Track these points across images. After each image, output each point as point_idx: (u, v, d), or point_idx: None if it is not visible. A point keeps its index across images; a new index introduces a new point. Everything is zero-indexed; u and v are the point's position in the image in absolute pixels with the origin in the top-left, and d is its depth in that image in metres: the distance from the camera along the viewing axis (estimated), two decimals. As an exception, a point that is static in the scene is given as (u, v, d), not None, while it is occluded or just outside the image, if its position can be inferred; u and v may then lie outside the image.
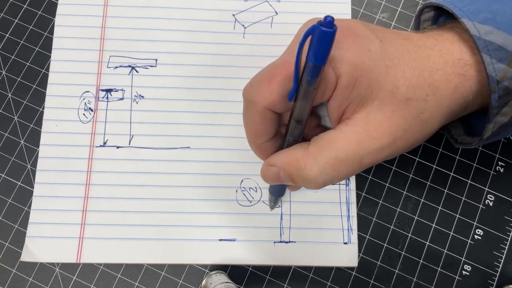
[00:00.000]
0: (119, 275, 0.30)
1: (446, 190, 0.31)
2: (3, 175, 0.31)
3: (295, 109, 0.22)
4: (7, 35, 0.34)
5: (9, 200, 0.31)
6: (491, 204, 0.31)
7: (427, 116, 0.22)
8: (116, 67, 0.32)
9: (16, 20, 0.34)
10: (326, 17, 0.18)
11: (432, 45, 0.23)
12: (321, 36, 0.18)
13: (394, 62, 0.22)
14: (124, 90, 0.32)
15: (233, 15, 0.34)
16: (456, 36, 0.23)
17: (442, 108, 0.23)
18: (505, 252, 0.30)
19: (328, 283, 0.30)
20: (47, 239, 0.29)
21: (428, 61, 0.22)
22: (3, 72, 0.33)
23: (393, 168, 0.32)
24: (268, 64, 0.23)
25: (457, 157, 0.32)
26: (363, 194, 0.31)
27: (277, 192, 0.28)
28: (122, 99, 0.32)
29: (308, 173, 0.22)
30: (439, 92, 0.22)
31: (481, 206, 0.31)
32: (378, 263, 0.30)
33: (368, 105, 0.22)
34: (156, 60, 0.32)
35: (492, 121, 0.23)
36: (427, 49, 0.23)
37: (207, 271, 0.30)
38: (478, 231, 0.31)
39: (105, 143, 0.31)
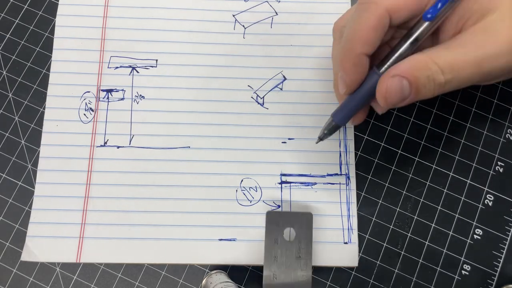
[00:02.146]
0: (119, 275, 0.30)
1: (445, 190, 0.31)
2: (4, 175, 0.31)
3: (420, 27, 0.23)
4: (8, 35, 0.34)
5: (10, 200, 0.31)
6: (490, 204, 0.31)
7: None
8: (117, 67, 0.32)
9: (17, 21, 0.34)
10: None
11: None
12: None
13: None
14: (125, 90, 0.32)
15: (233, 16, 0.34)
16: None
17: None
18: (504, 252, 0.30)
19: (328, 283, 0.30)
20: (47, 239, 0.30)
21: None
22: (4, 72, 0.33)
23: (393, 168, 0.32)
24: None
25: (457, 157, 0.32)
26: (363, 194, 0.31)
27: (343, 118, 0.27)
28: (122, 99, 0.32)
29: (433, 70, 0.22)
30: None
31: (480, 206, 0.31)
32: (378, 262, 0.30)
33: (488, 16, 0.22)
34: (156, 60, 0.33)
35: None
36: None
37: (207, 271, 0.30)
38: (478, 231, 0.31)
39: (105, 143, 0.31)
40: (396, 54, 0.24)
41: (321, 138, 0.29)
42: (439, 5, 0.22)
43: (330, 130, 0.28)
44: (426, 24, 0.23)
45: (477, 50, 0.22)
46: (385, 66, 0.25)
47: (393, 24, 0.24)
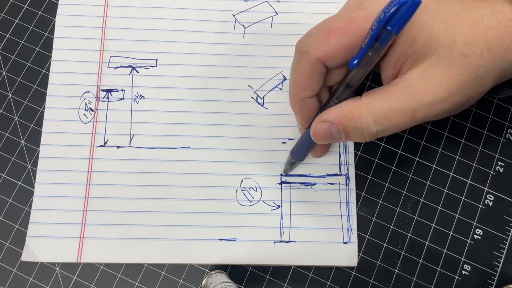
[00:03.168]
0: (119, 275, 0.30)
1: (445, 190, 0.31)
2: (3, 175, 0.31)
3: (351, 74, 0.23)
4: (8, 35, 0.34)
5: (10, 200, 0.31)
6: (490, 204, 0.31)
7: (482, 73, 0.22)
8: (117, 67, 0.32)
9: (17, 20, 0.34)
10: None
11: (485, 6, 0.23)
12: (411, 6, 0.19)
13: (451, 19, 0.22)
14: (125, 90, 0.32)
15: (233, 15, 0.34)
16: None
17: (496, 65, 0.23)
18: (504, 252, 0.30)
19: (328, 283, 0.30)
20: (47, 239, 0.29)
21: (482, 20, 0.23)
22: (4, 72, 0.33)
23: (393, 168, 0.32)
24: (324, 19, 0.24)
25: (457, 157, 0.32)
26: (363, 194, 0.31)
27: (299, 155, 0.29)
28: (122, 99, 0.32)
29: (363, 122, 0.23)
30: (493, 50, 0.22)
31: (480, 206, 0.31)
32: (378, 263, 0.30)
33: (425, 61, 0.22)
34: (156, 60, 0.33)
35: None
36: (480, 9, 0.23)
37: (207, 271, 0.30)
38: (478, 231, 0.31)
39: (105, 143, 0.31)
40: (333, 98, 0.25)
41: (285, 172, 0.31)
42: (356, 61, 0.22)
43: (291, 166, 0.30)
44: (355, 71, 0.23)
45: (411, 99, 0.22)
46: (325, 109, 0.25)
47: (330, 67, 0.24)
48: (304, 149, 0.28)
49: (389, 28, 0.20)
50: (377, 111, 0.22)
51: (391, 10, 0.19)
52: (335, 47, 0.22)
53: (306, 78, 0.24)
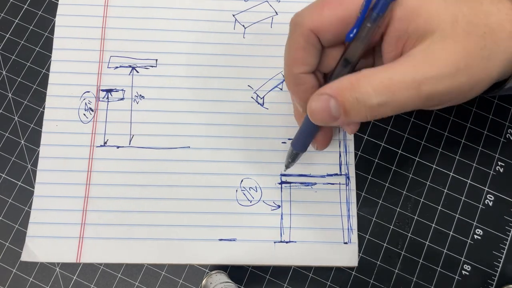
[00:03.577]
0: (119, 275, 0.30)
1: (446, 190, 0.31)
2: (3, 175, 0.31)
3: (349, 48, 0.22)
4: (8, 35, 0.34)
5: (10, 200, 0.31)
6: (490, 204, 0.31)
7: (487, 54, 0.22)
8: (117, 67, 0.32)
9: (17, 20, 0.34)
10: None
11: None
12: None
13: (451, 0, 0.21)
14: (125, 90, 0.32)
15: (233, 15, 0.34)
16: None
17: (499, 50, 0.22)
18: (504, 252, 0.30)
19: (328, 283, 0.30)
20: (47, 239, 0.29)
21: (481, 6, 0.22)
22: (4, 72, 0.33)
23: (393, 168, 0.32)
24: None
25: (457, 157, 0.32)
26: (363, 194, 0.31)
27: (300, 146, 0.27)
28: (122, 99, 0.32)
29: (362, 92, 0.21)
30: (495, 34, 0.22)
31: (480, 206, 0.31)
32: (378, 263, 0.30)
33: (427, 38, 0.21)
34: (156, 60, 0.33)
35: None
36: None
37: (207, 271, 0.30)
38: (478, 231, 0.31)
39: (105, 143, 0.31)
40: (332, 77, 0.23)
41: (287, 166, 0.30)
42: (354, 30, 0.21)
43: (293, 158, 0.29)
44: (352, 44, 0.22)
45: (416, 71, 0.21)
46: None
47: (325, 43, 0.23)
48: (305, 137, 0.27)
49: None
50: (378, 81, 0.21)
51: None
52: (329, 19, 0.22)
53: (300, 50, 0.23)
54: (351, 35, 0.21)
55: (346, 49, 0.22)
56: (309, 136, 0.27)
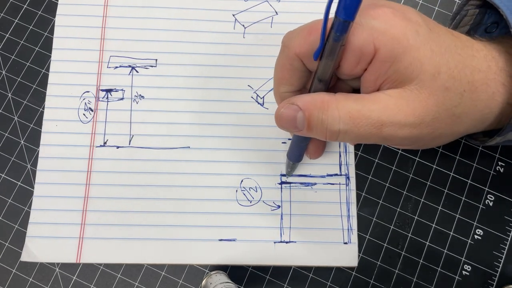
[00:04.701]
0: (119, 275, 0.30)
1: (446, 190, 0.31)
2: (3, 175, 0.31)
3: (319, 67, 0.22)
4: (7, 35, 0.34)
5: (9, 200, 0.31)
6: (491, 204, 0.31)
7: (459, 112, 0.22)
8: (116, 67, 0.32)
9: (16, 20, 0.34)
10: None
11: (479, 48, 0.23)
12: None
13: (440, 49, 0.22)
14: (124, 90, 0.32)
15: (233, 15, 0.34)
16: (504, 49, 0.23)
17: (475, 110, 0.22)
18: (505, 252, 0.30)
19: (328, 283, 0.30)
20: (47, 239, 0.29)
21: (471, 61, 0.22)
22: (3, 72, 0.33)
23: (393, 168, 0.32)
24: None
25: (457, 157, 0.32)
26: (363, 194, 0.31)
27: (294, 157, 0.29)
28: (122, 99, 0.32)
29: (329, 115, 0.22)
30: (476, 93, 0.22)
31: (481, 206, 0.31)
32: (378, 263, 0.30)
33: (405, 84, 0.22)
34: (156, 60, 0.33)
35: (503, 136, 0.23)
36: (473, 50, 0.23)
37: (207, 271, 0.30)
38: (478, 231, 0.31)
39: (105, 143, 0.31)
40: (310, 91, 0.24)
41: (288, 174, 0.31)
42: (317, 50, 0.22)
43: (292, 168, 0.30)
44: (321, 63, 0.22)
45: (382, 112, 0.21)
46: None
47: (310, 67, 0.24)
48: (297, 148, 0.28)
49: (338, 15, 0.19)
50: (346, 109, 0.22)
51: None
52: (313, 46, 0.22)
53: (285, 72, 0.24)
54: (315, 53, 0.22)
55: (317, 68, 0.23)
56: (300, 147, 0.28)
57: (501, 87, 0.22)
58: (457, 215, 0.31)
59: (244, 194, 0.31)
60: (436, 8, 0.34)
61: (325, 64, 0.22)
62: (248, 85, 0.32)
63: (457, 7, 0.28)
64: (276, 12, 0.34)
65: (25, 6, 0.34)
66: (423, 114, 0.21)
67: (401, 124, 0.21)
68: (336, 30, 0.20)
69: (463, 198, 0.31)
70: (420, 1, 0.34)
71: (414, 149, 0.31)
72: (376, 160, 0.32)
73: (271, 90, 0.32)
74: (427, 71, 0.21)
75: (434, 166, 0.31)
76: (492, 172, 0.31)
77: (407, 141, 0.22)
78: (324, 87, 0.23)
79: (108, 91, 0.32)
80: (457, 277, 0.30)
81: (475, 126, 0.23)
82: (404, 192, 0.31)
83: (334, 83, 0.26)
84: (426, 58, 0.21)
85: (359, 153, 0.32)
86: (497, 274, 0.30)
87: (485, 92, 0.22)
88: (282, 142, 0.31)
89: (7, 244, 0.30)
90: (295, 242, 0.30)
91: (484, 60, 0.22)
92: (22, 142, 0.32)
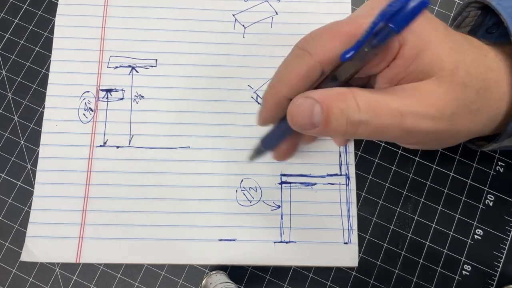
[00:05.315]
0: (119, 275, 0.30)
1: (446, 190, 0.31)
2: (3, 175, 0.31)
3: (341, 67, 0.21)
4: (7, 35, 0.34)
5: (9, 200, 0.31)
6: (491, 204, 0.31)
7: (475, 108, 0.22)
8: (116, 67, 0.32)
9: (16, 20, 0.34)
10: None
11: (489, 49, 0.23)
12: (419, 5, 0.18)
13: (456, 47, 0.22)
14: (124, 90, 0.32)
15: (233, 15, 0.34)
16: (510, 51, 0.23)
17: (489, 108, 0.22)
18: (505, 252, 0.30)
19: (328, 283, 0.30)
20: (47, 239, 0.29)
21: (485, 59, 0.22)
22: (3, 72, 0.33)
23: (393, 168, 0.32)
24: (331, 22, 0.22)
25: (457, 157, 0.32)
26: (363, 194, 0.31)
27: (271, 145, 0.26)
28: (122, 99, 0.32)
29: (349, 105, 0.20)
30: (490, 91, 0.22)
31: (481, 206, 0.31)
32: (378, 263, 0.30)
33: (423, 80, 0.21)
34: (156, 60, 0.33)
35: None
36: (484, 51, 0.23)
37: (207, 271, 0.30)
38: (478, 231, 0.31)
39: (105, 143, 0.31)
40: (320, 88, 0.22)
41: (251, 159, 0.28)
42: (350, 54, 0.21)
43: (257, 152, 0.28)
44: (345, 65, 0.21)
45: (402, 102, 0.21)
46: None
47: (325, 73, 0.22)
48: (275, 138, 0.26)
49: (391, 25, 0.19)
50: (365, 99, 0.21)
51: (396, 6, 0.18)
52: (337, 51, 0.21)
53: (300, 79, 0.22)
54: (347, 56, 0.21)
55: (337, 67, 0.22)
56: (280, 138, 0.26)
57: (509, 88, 0.22)
58: (457, 215, 0.31)
59: (244, 194, 0.31)
60: (436, 8, 0.34)
61: (348, 66, 0.21)
62: (248, 85, 0.32)
63: (459, 8, 0.28)
64: (276, 12, 0.34)
65: (25, 6, 0.34)
66: (443, 108, 0.21)
67: (422, 115, 0.21)
68: (380, 38, 0.19)
69: (463, 198, 0.31)
70: (420, 1, 0.34)
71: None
72: (376, 160, 0.32)
73: (271, 90, 0.32)
74: (446, 67, 0.21)
75: (434, 166, 0.31)
76: (492, 172, 0.31)
77: (426, 136, 0.22)
78: (337, 86, 0.22)
79: (108, 91, 0.32)
80: (457, 277, 0.30)
81: (489, 125, 0.23)
82: (404, 192, 0.31)
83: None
84: (445, 55, 0.21)
85: (359, 153, 0.32)
86: (497, 274, 0.30)
87: (497, 92, 0.22)
88: (282, 142, 0.31)
89: (7, 244, 0.30)
90: (295, 242, 0.30)
91: (495, 60, 0.23)
92: (22, 142, 0.32)
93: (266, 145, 0.27)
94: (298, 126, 0.22)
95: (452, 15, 0.29)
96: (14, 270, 0.30)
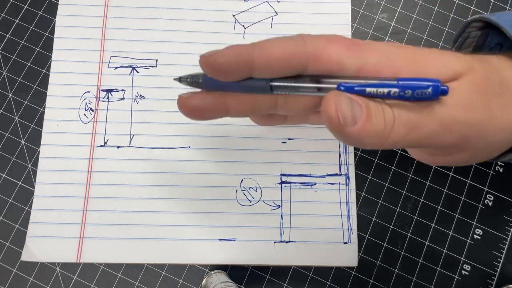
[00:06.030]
0: (119, 275, 0.30)
1: (445, 190, 0.31)
2: (4, 175, 0.31)
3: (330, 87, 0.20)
4: (8, 36, 0.34)
5: (10, 200, 0.31)
6: (490, 204, 0.31)
7: (506, 100, 0.21)
8: (117, 67, 0.32)
9: (17, 21, 0.34)
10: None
11: (494, 55, 0.22)
12: (435, 90, 0.19)
13: (461, 55, 0.21)
14: (125, 90, 0.32)
15: (233, 16, 0.34)
16: None
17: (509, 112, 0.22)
18: (504, 252, 0.30)
19: (328, 283, 0.30)
20: (47, 239, 0.30)
21: (497, 63, 0.22)
22: (4, 72, 0.33)
23: (393, 168, 0.32)
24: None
25: (457, 157, 0.32)
26: (363, 194, 0.31)
27: (212, 84, 0.22)
28: (122, 99, 0.32)
29: (382, 105, 0.19)
30: (510, 87, 0.21)
31: (480, 206, 0.31)
32: (378, 262, 0.30)
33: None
34: (156, 60, 0.33)
35: None
36: (489, 57, 0.22)
37: (207, 270, 0.30)
38: (478, 231, 0.31)
39: (105, 143, 0.31)
40: (296, 85, 0.20)
41: (179, 80, 0.23)
42: (356, 88, 0.19)
43: (193, 78, 0.23)
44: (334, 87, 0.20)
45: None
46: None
47: (306, 70, 0.21)
48: (222, 84, 0.21)
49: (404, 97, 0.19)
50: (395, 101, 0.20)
51: (410, 85, 0.18)
52: (332, 55, 0.20)
53: (280, 55, 0.20)
54: (342, 88, 0.20)
55: (326, 78, 0.20)
56: (226, 87, 0.21)
57: None
58: (457, 215, 0.31)
59: (244, 194, 0.31)
60: (436, 8, 0.34)
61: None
62: (248, 85, 0.32)
63: (459, 30, 0.28)
64: (276, 13, 0.34)
65: (25, 7, 0.34)
66: (474, 98, 0.20)
67: (454, 105, 0.20)
68: (385, 97, 0.19)
69: (463, 198, 0.31)
70: (420, 1, 0.34)
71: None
72: (376, 160, 0.32)
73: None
74: (460, 68, 0.21)
75: (434, 166, 0.32)
76: (491, 172, 0.31)
77: (468, 128, 0.20)
78: (313, 90, 0.21)
79: (109, 91, 0.32)
80: (456, 277, 0.30)
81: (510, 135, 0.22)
82: (404, 192, 0.31)
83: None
84: (452, 60, 0.21)
85: (359, 153, 0.32)
86: (497, 274, 0.30)
87: None
88: (282, 142, 0.31)
89: (7, 243, 0.30)
90: (295, 241, 0.30)
91: (503, 63, 0.22)
92: (23, 142, 0.32)
93: (207, 83, 0.22)
94: (332, 123, 0.20)
95: (453, 36, 0.28)
96: (14, 270, 0.30)
